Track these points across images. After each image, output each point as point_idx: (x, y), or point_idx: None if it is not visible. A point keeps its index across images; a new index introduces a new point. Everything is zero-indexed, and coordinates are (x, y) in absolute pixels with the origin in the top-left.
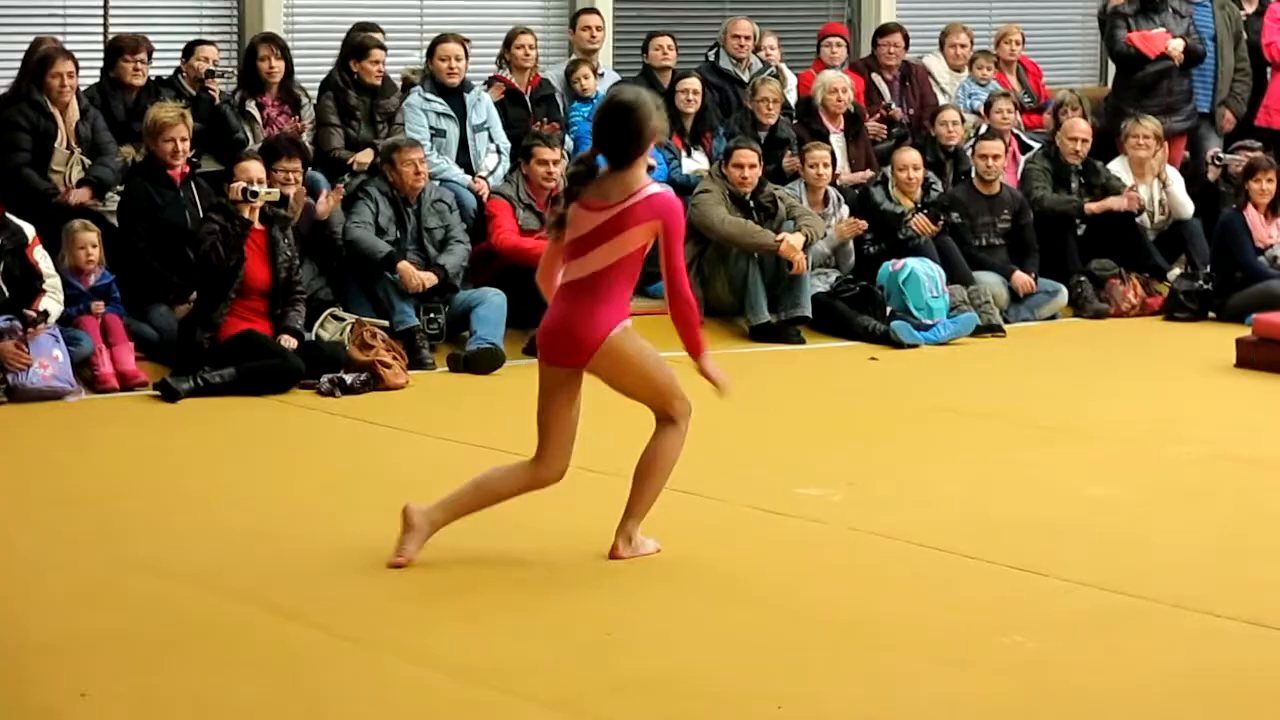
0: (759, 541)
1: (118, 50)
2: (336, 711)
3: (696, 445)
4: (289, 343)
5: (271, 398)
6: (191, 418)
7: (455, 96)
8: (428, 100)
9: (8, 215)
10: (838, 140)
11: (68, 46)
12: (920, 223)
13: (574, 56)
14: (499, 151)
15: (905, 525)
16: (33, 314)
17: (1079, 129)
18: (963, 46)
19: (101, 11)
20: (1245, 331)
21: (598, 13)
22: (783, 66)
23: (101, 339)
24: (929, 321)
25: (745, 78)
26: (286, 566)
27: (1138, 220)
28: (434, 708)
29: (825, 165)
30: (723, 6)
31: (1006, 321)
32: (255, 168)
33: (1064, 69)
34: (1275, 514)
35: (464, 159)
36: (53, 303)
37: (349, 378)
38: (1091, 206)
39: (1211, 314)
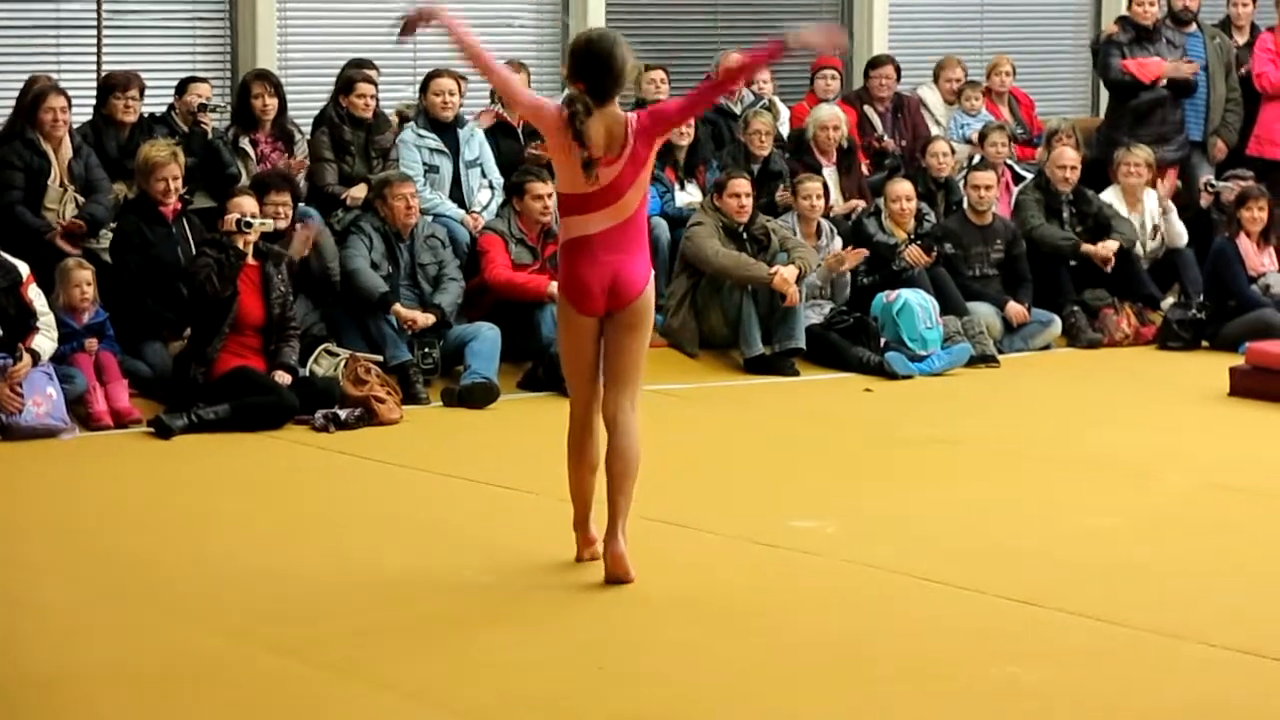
0: (753, 573)
1: (109, 88)
2: None
3: (690, 477)
4: (283, 378)
5: (266, 434)
6: (186, 454)
7: (449, 132)
8: (421, 136)
9: (1, 253)
10: (830, 173)
11: (62, 84)
12: (914, 254)
13: (568, 90)
14: (492, 187)
15: (900, 557)
16: (20, 351)
17: (1067, 157)
18: (958, 80)
19: (95, 49)
20: (1239, 360)
21: None
22: (775, 99)
23: (96, 376)
24: (923, 353)
25: (738, 110)
26: (283, 602)
27: (1131, 249)
28: None
29: (818, 197)
30: (715, 39)
31: (1000, 352)
32: (248, 202)
33: (1056, 100)
34: (1270, 544)
35: (457, 194)
36: (46, 340)
37: (343, 413)
38: (1087, 249)
39: (1205, 343)
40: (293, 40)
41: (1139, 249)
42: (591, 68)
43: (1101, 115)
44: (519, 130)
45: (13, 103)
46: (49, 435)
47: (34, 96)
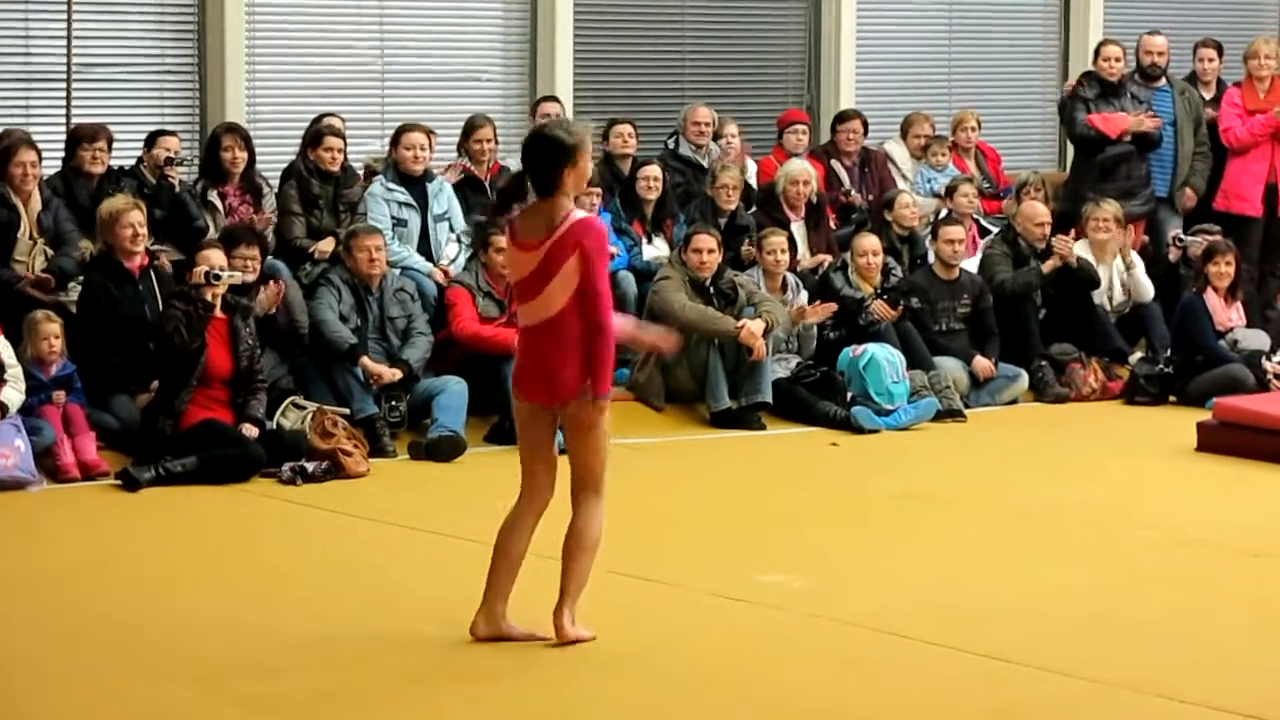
0: (719, 628)
1: (77, 139)
2: None
3: (657, 531)
4: (250, 431)
5: (233, 486)
6: (153, 507)
7: (417, 186)
8: (390, 189)
9: None
10: (799, 228)
11: (34, 137)
12: (880, 308)
13: None
14: (459, 240)
15: (867, 611)
16: None
17: (1040, 213)
18: (925, 135)
19: (64, 101)
20: (1206, 415)
21: (558, 100)
22: (735, 149)
23: (63, 429)
24: (890, 407)
25: (705, 164)
26: (247, 655)
27: (1098, 303)
28: None
29: (783, 251)
30: (682, 94)
31: (967, 406)
32: (216, 255)
33: (1023, 154)
34: (1236, 599)
35: (425, 248)
36: (14, 393)
37: (310, 466)
38: (1047, 265)
39: (1172, 397)
40: (261, 94)
41: (1106, 303)
42: (527, 160)
43: (1068, 170)
44: (487, 185)
45: None
46: (17, 487)
47: (4, 150)
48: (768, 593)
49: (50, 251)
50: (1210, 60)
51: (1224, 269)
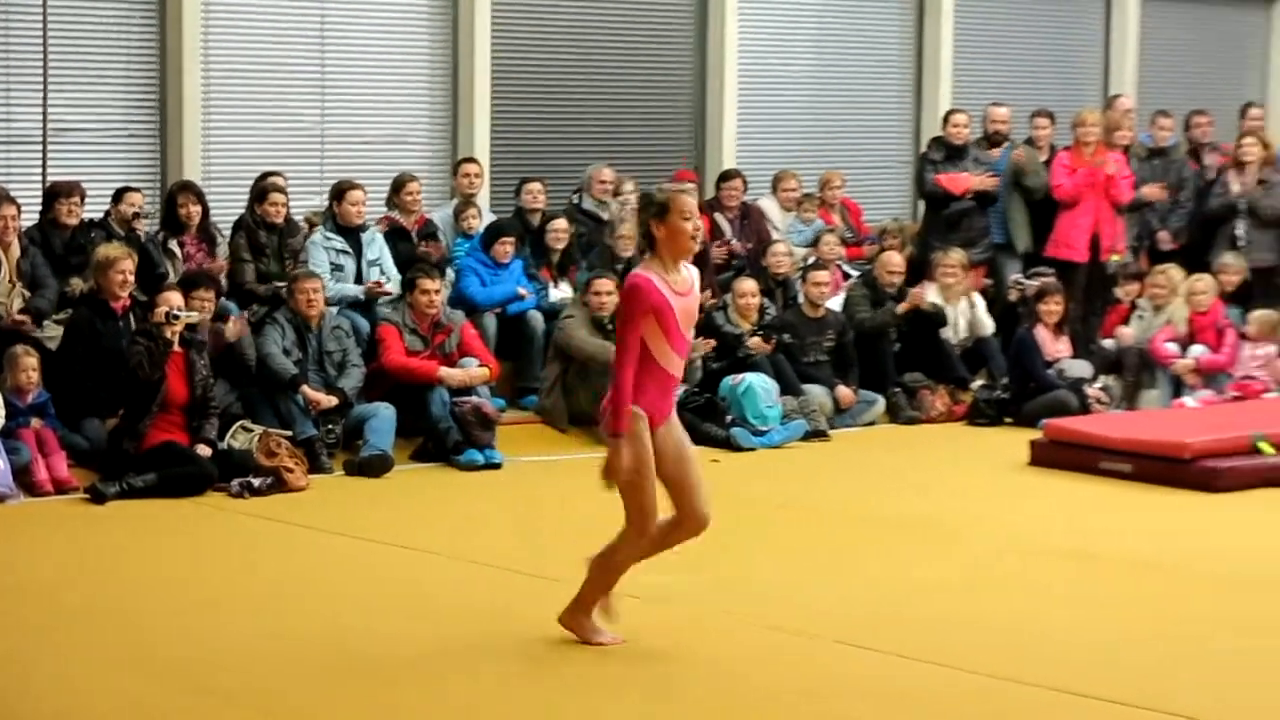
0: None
1: (54, 194)
2: None
3: (559, 536)
4: (204, 451)
5: (188, 500)
6: (118, 518)
7: (352, 235)
8: (328, 238)
9: None
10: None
11: (13, 193)
12: (756, 343)
13: (456, 199)
14: (389, 281)
15: (745, 607)
16: None
17: (894, 262)
18: (793, 190)
19: (41, 161)
20: (1038, 435)
21: (476, 161)
22: (632, 204)
23: (38, 449)
24: (764, 428)
25: (606, 217)
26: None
27: (943, 335)
28: None
29: None
30: (587, 155)
31: (831, 428)
32: (175, 297)
33: (881, 208)
34: (1064, 593)
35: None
36: None
37: (256, 481)
38: (901, 306)
39: (1008, 419)
40: (214, 155)
41: (952, 337)
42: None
43: (919, 221)
44: (413, 234)
45: None
46: None
47: None
48: (654, 590)
49: (27, 294)
50: (1044, 128)
51: (1053, 307)
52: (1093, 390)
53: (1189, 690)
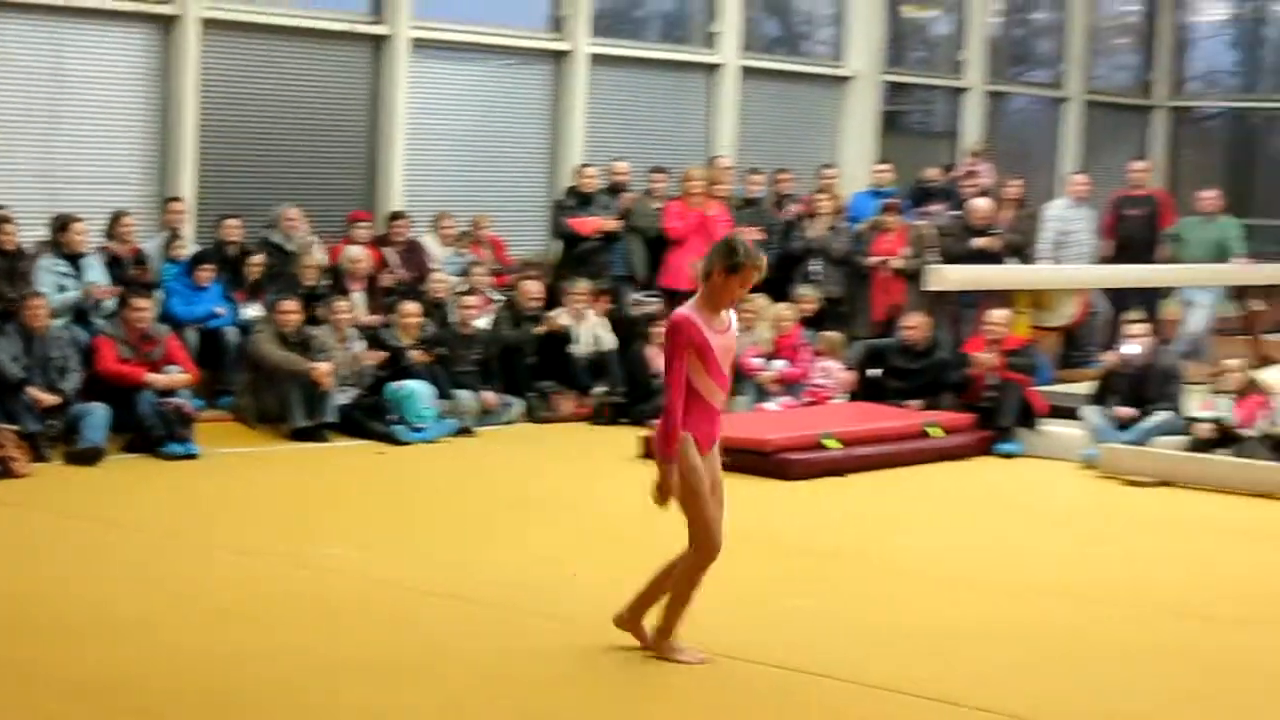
0: (289, 588)
1: None
2: None
3: (253, 515)
4: None
5: None
6: None
7: (74, 261)
8: (54, 263)
9: None
10: (359, 296)
11: None
12: (417, 355)
13: (165, 231)
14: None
15: (407, 574)
16: None
17: (533, 290)
18: (450, 228)
19: None
20: (647, 432)
21: (182, 199)
22: (314, 239)
23: None
24: (421, 426)
25: (290, 249)
26: None
27: (571, 350)
28: None
29: (346, 312)
30: (276, 196)
31: (478, 426)
32: None
33: (522, 244)
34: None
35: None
36: None
37: None
38: (538, 328)
39: (624, 419)
40: None
41: (579, 351)
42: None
43: (555, 256)
44: (126, 261)
45: None
46: None
47: None
48: (330, 560)
49: None
50: (659, 180)
51: (658, 328)
52: None
53: (759, 643)
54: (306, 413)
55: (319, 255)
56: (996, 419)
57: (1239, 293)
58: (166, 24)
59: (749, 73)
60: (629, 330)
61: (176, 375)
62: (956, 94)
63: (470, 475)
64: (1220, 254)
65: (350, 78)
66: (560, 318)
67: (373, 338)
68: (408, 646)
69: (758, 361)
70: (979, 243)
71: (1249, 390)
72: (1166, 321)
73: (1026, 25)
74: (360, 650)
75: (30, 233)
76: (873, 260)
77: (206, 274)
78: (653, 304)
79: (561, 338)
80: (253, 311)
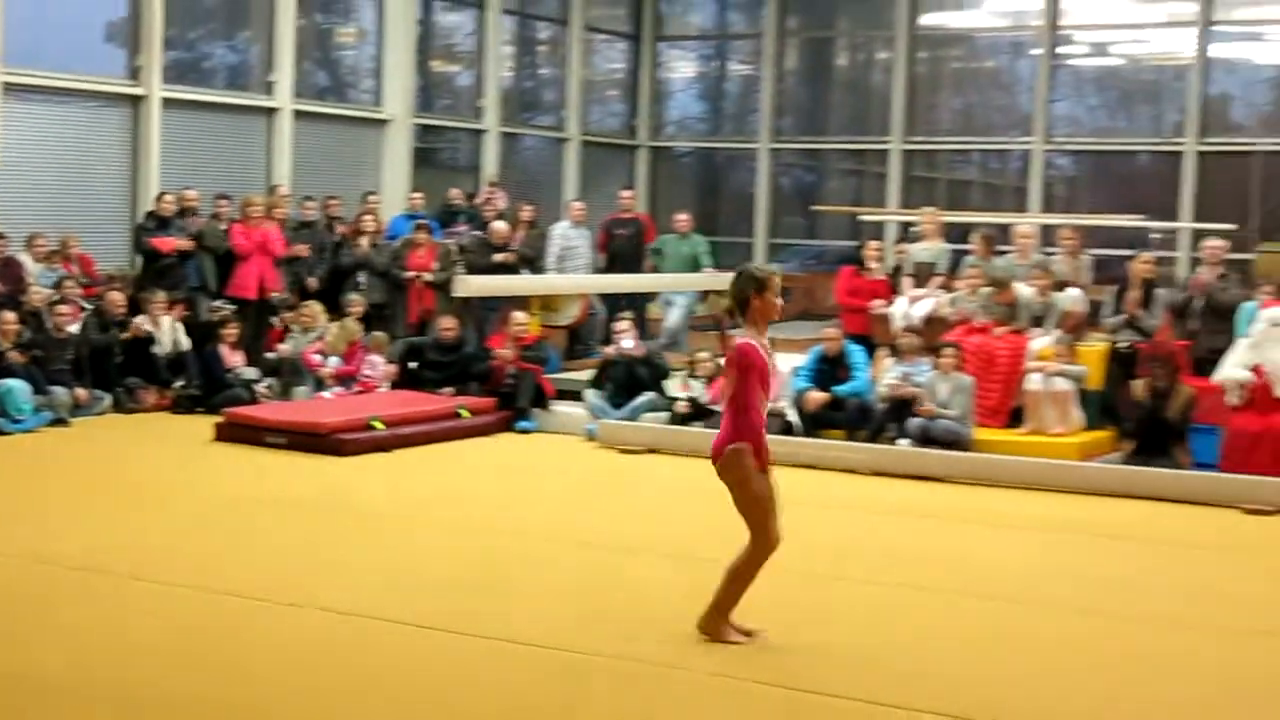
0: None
1: None
2: None
3: None
4: None
5: None
6: None
7: None
8: None
9: None
10: None
11: None
12: (15, 355)
13: None
14: None
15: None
16: None
17: (118, 299)
18: (41, 246)
19: None
20: (220, 419)
21: None
22: None
23: None
24: (21, 418)
25: None
26: None
27: (154, 351)
28: None
29: None
30: None
31: (73, 417)
32: None
33: (109, 259)
34: (270, 531)
35: None
36: None
37: None
38: (126, 334)
39: (200, 409)
40: None
41: (160, 352)
42: (732, 289)
43: (137, 270)
44: None
45: None
46: None
47: None
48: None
49: None
50: (223, 206)
51: (232, 330)
52: (260, 388)
53: (304, 586)
54: None
55: None
56: (515, 402)
57: (708, 296)
58: None
59: (301, 115)
60: (203, 333)
61: None
62: (477, 134)
63: (65, 460)
64: (693, 265)
65: None
66: (144, 324)
67: None
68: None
69: (317, 358)
70: (498, 257)
71: (716, 374)
72: (651, 320)
73: (534, 78)
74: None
75: None
76: (409, 274)
77: None
78: (224, 310)
79: (144, 340)
80: None
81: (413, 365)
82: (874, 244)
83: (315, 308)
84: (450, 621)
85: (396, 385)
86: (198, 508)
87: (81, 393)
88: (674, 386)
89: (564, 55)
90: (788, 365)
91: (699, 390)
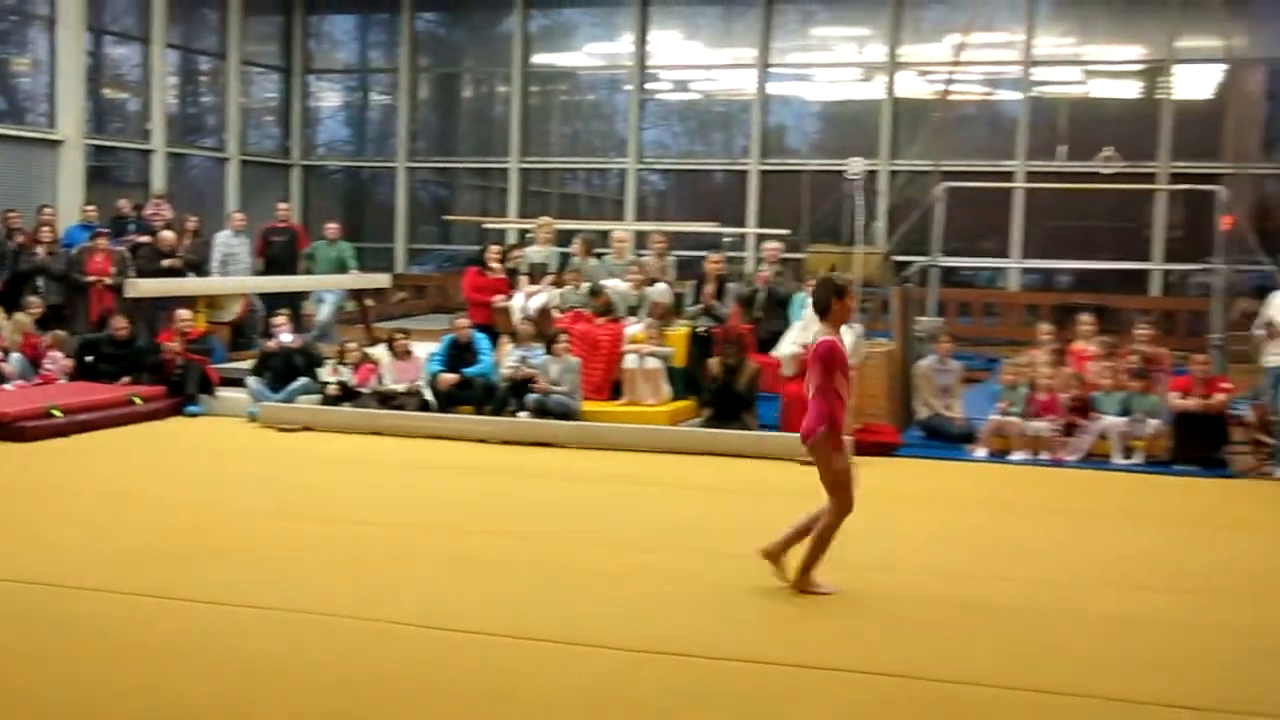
0: None
1: None
2: None
3: None
4: None
5: None
6: None
7: None
8: None
9: None
10: None
11: None
12: None
13: None
14: None
15: None
16: None
17: None
18: None
19: None
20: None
21: None
22: None
23: None
24: None
25: None
26: None
27: None
28: None
29: None
30: None
31: None
32: None
33: None
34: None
35: None
36: None
37: None
38: None
39: None
40: None
41: None
42: (815, 295)
43: None
44: None
45: None
46: None
47: None
48: None
49: None
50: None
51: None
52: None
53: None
54: None
55: None
56: (184, 389)
57: (356, 294)
58: None
59: None
60: None
61: None
62: (146, 154)
63: None
64: (341, 268)
65: None
66: None
67: None
68: None
69: None
70: (167, 263)
71: (363, 361)
72: (305, 315)
73: (198, 105)
74: None
75: None
76: (90, 278)
77: None
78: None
79: None
80: None
81: (89, 359)
82: (495, 248)
83: None
84: (147, 588)
85: (74, 377)
86: None
87: None
88: (325, 373)
89: (224, 85)
90: (424, 352)
91: (347, 375)
